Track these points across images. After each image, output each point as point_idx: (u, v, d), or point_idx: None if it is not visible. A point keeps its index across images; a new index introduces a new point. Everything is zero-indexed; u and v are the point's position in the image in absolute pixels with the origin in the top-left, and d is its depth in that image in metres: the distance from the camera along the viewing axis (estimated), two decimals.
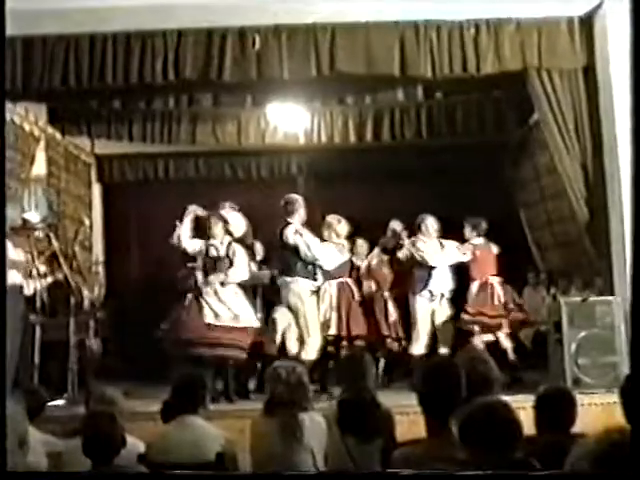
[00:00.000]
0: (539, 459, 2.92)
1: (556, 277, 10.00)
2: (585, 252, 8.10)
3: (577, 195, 7.57)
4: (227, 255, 7.80)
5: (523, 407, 5.71)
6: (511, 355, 8.05)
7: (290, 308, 7.80)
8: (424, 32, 7.40)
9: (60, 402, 7.28)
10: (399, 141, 10.14)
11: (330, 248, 8.05)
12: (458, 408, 3.28)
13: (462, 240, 8.35)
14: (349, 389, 4.91)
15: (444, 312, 8.21)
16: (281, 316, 8.08)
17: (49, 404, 7.03)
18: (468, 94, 9.58)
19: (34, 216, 8.56)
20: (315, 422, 4.56)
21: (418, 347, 8.08)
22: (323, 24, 7.37)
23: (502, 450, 2.89)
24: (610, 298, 7.22)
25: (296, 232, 7.66)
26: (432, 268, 8.18)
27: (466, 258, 8.24)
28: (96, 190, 11.48)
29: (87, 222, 10.33)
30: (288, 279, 7.69)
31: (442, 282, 8.22)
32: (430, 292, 8.18)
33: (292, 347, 8.02)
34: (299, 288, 7.67)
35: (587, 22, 7.54)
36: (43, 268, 7.66)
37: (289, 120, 9.91)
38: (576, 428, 3.77)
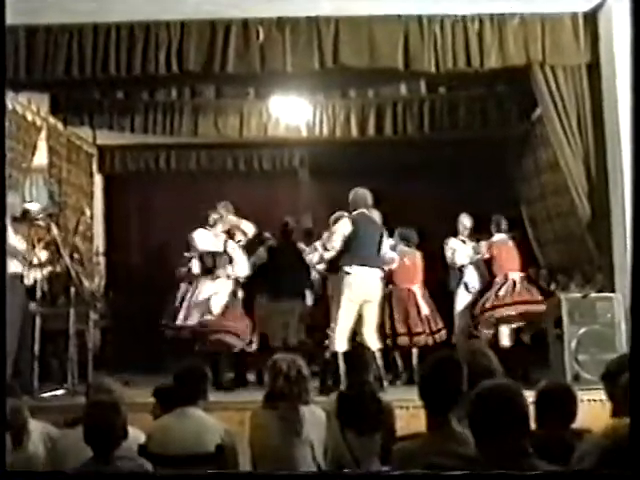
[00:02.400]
0: (539, 454, 2.91)
1: (556, 273, 9.99)
2: (586, 248, 8.09)
3: (579, 191, 7.56)
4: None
5: None
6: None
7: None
8: (428, 26, 7.38)
9: (60, 392, 7.29)
10: (401, 135, 10.13)
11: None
12: (459, 402, 3.27)
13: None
14: (351, 383, 4.92)
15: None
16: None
17: (49, 394, 7.12)
18: (471, 89, 9.58)
19: (35, 206, 8.56)
20: (315, 415, 4.57)
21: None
22: (327, 17, 7.36)
23: (509, 434, 2.82)
24: (611, 294, 7.22)
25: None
26: (463, 265, 8.51)
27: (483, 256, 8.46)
28: (97, 181, 11.48)
29: (88, 212, 10.33)
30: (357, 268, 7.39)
31: (474, 278, 8.51)
32: (466, 286, 8.47)
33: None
34: (375, 278, 7.56)
35: (591, 18, 7.53)
36: (44, 258, 7.64)
37: (291, 113, 9.90)
38: (576, 424, 3.77)
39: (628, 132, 6.89)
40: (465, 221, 8.72)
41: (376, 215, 7.82)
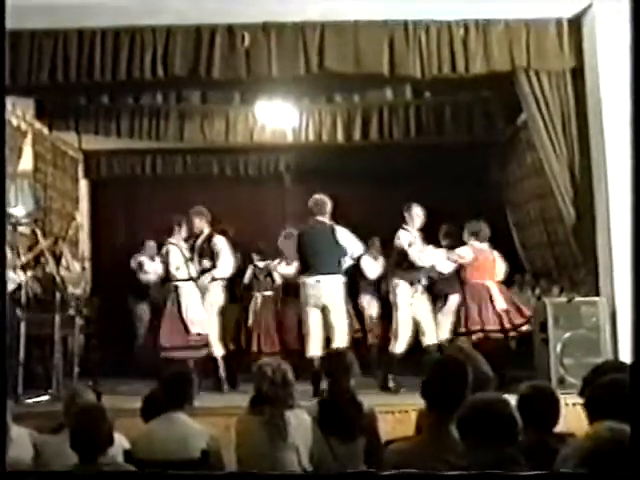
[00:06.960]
0: (522, 457, 2.92)
1: (541, 277, 10.04)
2: (571, 253, 8.14)
3: (564, 195, 7.60)
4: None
5: None
6: None
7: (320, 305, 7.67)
8: (413, 32, 7.40)
9: (44, 398, 7.26)
10: (387, 140, 10.16)
11: None
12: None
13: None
14: (332, 386, 4.91)
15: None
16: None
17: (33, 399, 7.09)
18: (456, 94, 9.61)
19: (20, 211, 8.53)
20: (300, 420, 4.56)
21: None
22: (312, 22, 7.37)
23: (497, 444, 2.85)
24: (595, 299, 7.25)
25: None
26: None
27: None
28: (83, 186, 11.45)
29: (78, 218, 10.34)
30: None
31: None
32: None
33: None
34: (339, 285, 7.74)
35: (576, 24, 7.55)
36: (29, 263, 7.61)
37: (277, 118, 9.90)
38: (561, 428, 3.78)
39: (612, 137, 6.97)
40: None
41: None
